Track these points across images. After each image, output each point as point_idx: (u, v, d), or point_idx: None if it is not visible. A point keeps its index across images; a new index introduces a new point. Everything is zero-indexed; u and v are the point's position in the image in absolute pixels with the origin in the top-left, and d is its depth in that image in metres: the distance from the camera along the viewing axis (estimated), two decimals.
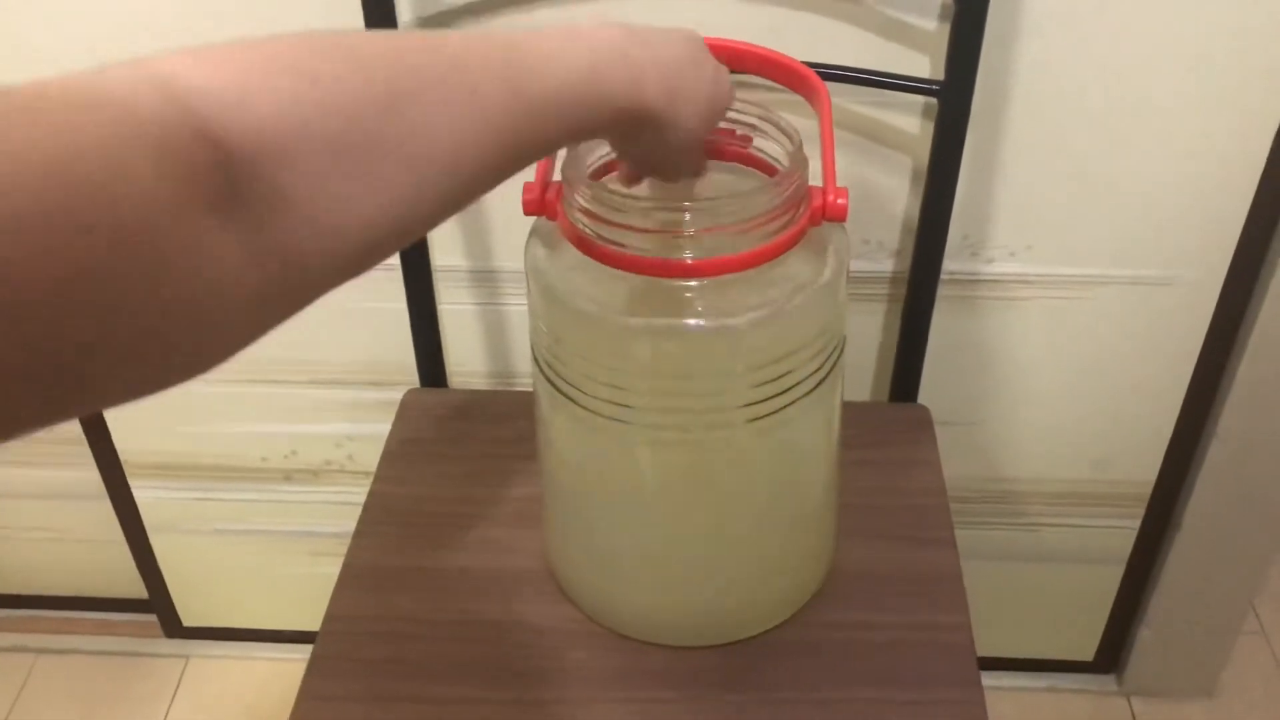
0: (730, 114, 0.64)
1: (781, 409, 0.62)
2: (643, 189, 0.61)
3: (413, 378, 0.95)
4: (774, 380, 0.61)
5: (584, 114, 0.45)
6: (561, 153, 0.62)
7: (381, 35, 0.38)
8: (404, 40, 0.39)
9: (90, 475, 1.12)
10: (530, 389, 0.69)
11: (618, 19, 0.49)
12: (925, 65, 0.79)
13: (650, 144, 0.52)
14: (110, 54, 0.31)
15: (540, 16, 0.78)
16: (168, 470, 1.10)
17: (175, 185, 0.29)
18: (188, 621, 1.25)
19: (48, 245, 0.25)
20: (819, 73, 0.67)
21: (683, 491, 0.67)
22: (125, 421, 1.07)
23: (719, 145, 0.65)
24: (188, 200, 0.29)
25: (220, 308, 0.32)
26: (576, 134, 0.47)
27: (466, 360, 0.99)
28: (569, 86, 0.43)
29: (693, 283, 0.59)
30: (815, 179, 0.61)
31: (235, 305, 0.32)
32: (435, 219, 0.39)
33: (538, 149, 0.44)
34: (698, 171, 0.62)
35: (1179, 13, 0.76)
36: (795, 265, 0.60)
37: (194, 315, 0.31)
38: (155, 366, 0.31)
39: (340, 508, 1.10)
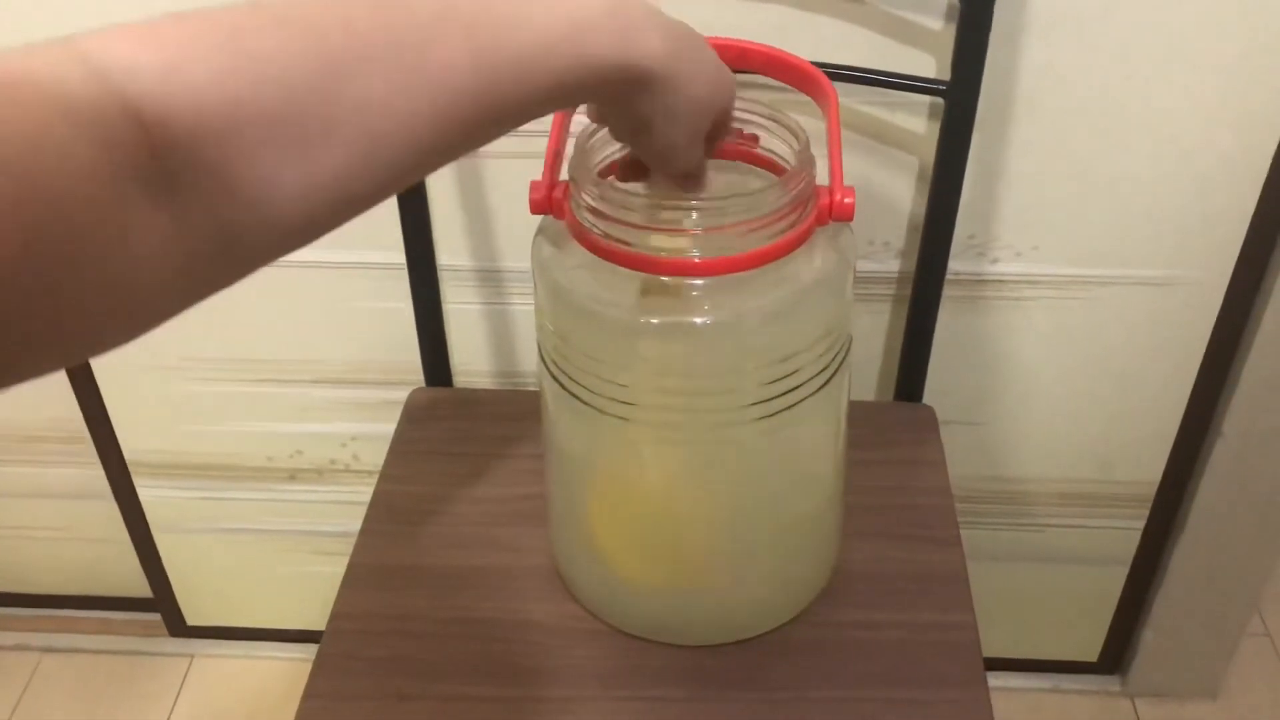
0: (737, 113, 0.64)
1: (788, 408, 0.62)
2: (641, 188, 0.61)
3: (418, 377, 0.95)
4: (780, 379, 0.61)
5: (564, 74, 0.41)
6: (569, 152, 0.62)
7: (331, 2, 0.36)
8: (353, 6, 0.36)
9: (95, 474, 1.12)
10: (535, 388, 0.69)
11: None
12: (931, 65, 0.79)
13: (649, 114, 0.47)
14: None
15: None
16: (172, 469, 1.10)
17: (102, 164, 0.29)
18: (192, 620, 1.25)
19: None
20: (826, 72, 0.67)
21: (688, 490, 0.67)
22: (130, 420, 1.07)
23: (726, 145, 0.65)
24: (115, 178, 0.29)
25: (147, 284, 0.31)
26: (560, 96, 0.43)
27: (472, 359, 0.99)
28: (545, 45, 0.40)
29: (700, 281, 0.59)
30: (822, 179, 0.61)
31: (163, 280, 0.32)
32: (389, 189, 0.38)
33: (513, 113, 0.41)
34: (697, 168, 0.56)
35: (1184, 13, 0.76)
36: (802, 264, 0.60)
37: (119, 292, 0.30)
38: (78, 340, 0.31)
39: (345, 507, 1.10)
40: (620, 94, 0.45)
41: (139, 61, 0.31)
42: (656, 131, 0.49)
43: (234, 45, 0.33)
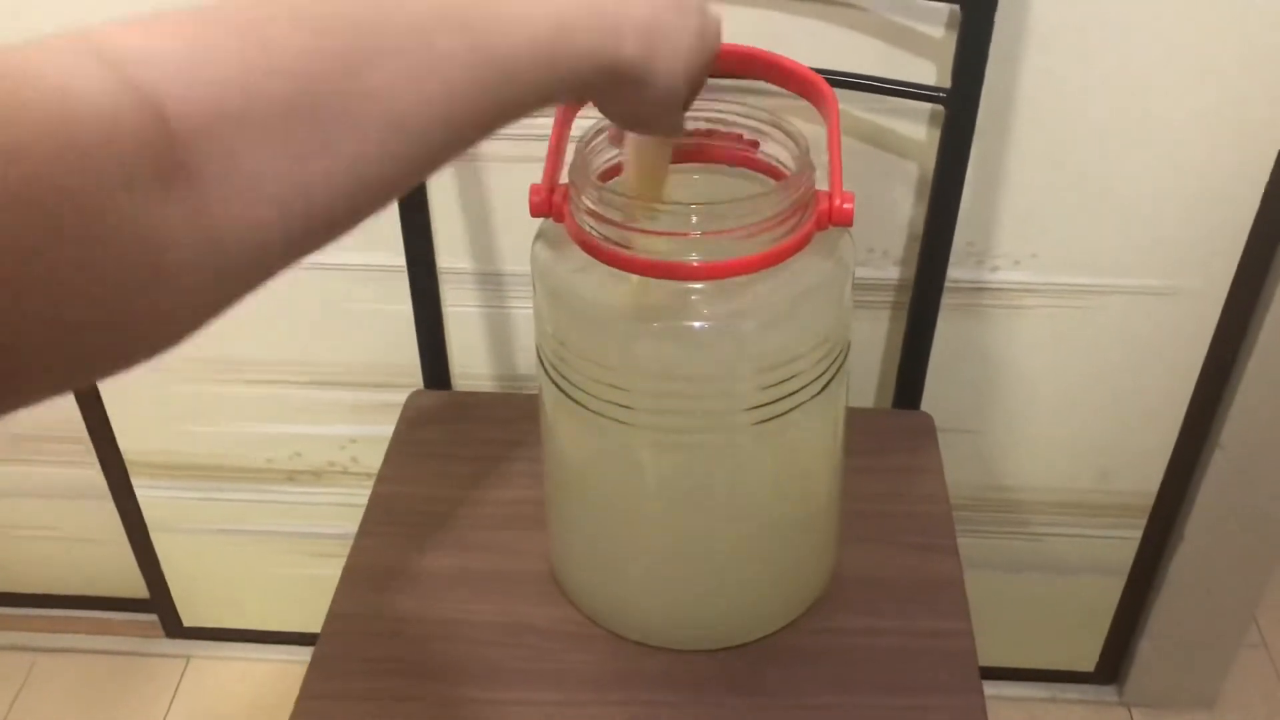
0: (738, 118, 0.64)
1: (785, 413, 0.62)
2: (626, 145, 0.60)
3: (417, 379, 0.95)
4: (778, 384, 0.61)
5: (554, 72, 0.42)
6: (569, 156, 0.62)
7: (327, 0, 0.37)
8: (350, 2, 0.37)
9: (93, 474, 1.12)
10: (534, 391, 0.69)
11: None
12: (932, 73, 0.79)
13: (632, 101, 0.48)
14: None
15: None
16: (170, 470, 1.10)
17: (119, 158, 0.28)
18: (189, 621, 1.25)
19: None
20: (826, 79, 0.67)
21: (686, 495, 0.67)
22: (128, 421, 1.07)
23: (727, 150, 0.65)
24: (133, 173, 0.29)
25: (171, 283, 0.31)
26: (551, 93, 0.43)
27: (470, 362, 0.99)
28: (535, 44, 0.41)
29: (699, 285, 0.59)
30: (821, 185, 0.61)
31: (188, 280, 0.31)
32: (399, 186, 0.38)
33: (508, 111, 0.41)
34: (677, 130, 0.56)
35: (1184, 23, 0.76)
36: (801, 269, 0.60)
37: (145, 292, 0.30)
38: (107, 347, 0.30)
39: (343, 509, 1.10)
40: (607, 87, 0.47)
41: (155, 52, 0.31)
42: (646, 112, 0.51)
43: (249, 37, 0.33)
